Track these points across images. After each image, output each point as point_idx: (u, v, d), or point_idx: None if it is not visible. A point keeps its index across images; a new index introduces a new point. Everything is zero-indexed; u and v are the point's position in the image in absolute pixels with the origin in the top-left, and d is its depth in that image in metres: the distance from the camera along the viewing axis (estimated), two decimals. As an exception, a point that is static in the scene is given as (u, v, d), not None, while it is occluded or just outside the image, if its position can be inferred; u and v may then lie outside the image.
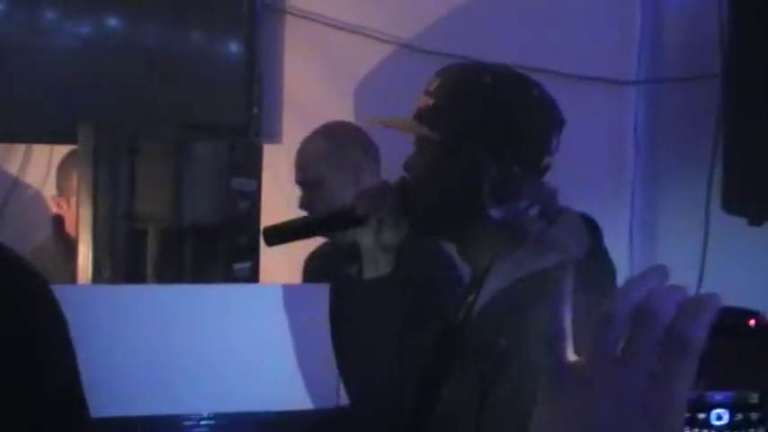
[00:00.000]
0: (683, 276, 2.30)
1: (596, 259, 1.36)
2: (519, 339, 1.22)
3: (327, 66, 2.72)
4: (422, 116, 1.39)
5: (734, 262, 2.38)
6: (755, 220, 2.11)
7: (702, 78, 2.34)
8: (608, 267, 1.40)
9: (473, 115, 1.36)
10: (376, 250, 1.45)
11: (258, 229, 2.34)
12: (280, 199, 2.58)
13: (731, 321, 1.07)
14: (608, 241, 2.37)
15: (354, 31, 2.64)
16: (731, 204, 2.15)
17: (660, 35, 2.48)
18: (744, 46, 2.12)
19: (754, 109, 2.11)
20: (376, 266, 1.46)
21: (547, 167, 1.40)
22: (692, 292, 2.10)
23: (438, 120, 1.37)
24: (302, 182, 2.27)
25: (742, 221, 2.12)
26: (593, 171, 2.45)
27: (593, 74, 2.40)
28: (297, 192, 2.54)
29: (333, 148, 2.19)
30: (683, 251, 2.43)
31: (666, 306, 0.59)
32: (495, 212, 1.34)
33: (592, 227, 1.42)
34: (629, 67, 2.40)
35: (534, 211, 1.36)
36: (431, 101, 1.39)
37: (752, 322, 1.14)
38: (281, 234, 1.56)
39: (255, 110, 2.72)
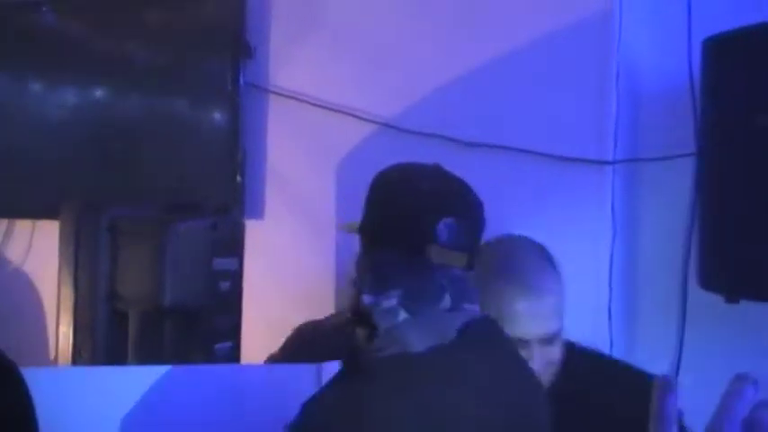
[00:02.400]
0: (662, 354, 2.28)
1: (440, 356, 1.29)
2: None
3: (310, 143, 2.74)
4: None
5: (712, 339, 2.37)
6: (732, 297, 2.10)
7: (677, 158, 2.36)
8: (452, 365, 1.32)
9: (369, 208, 1.45)
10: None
11: (240, 309, 2.35)
12: (262, 276, 2.59)
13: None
14: (588, 319, 2.40)
15: (337, 110, 2.67)
16: (708, 281, 2.15)
17: (636, 116, 2.51)
18: (716, 127, 2.15)
19: (728, 187, 2.12)
20: None
21: (432, 259, 1.37)
22: (671, 369, 2.08)
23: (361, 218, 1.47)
24: None
25: (719, 298, 2.11)
26: (572, 248, 2.39)
27: (572, 154, 2.43)
28: (279, 268, 2.56)
29: None
30: (662, 328, 2.43)
31: None
32: (367, 298, 1.35)
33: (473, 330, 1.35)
34: (606, 148, 2.42)
35: (393, 300, 1.34)
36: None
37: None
38: None
39: (239, 188, 2.73)
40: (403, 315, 1.32)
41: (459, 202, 1.43)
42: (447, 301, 1.35)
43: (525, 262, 1.73)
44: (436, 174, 1.46)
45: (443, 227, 1.37)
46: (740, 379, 0.64)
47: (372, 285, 1.35)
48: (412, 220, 1.38)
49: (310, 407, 1.28)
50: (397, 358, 1.29)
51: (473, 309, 1.37)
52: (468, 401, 1.28)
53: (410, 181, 1.42)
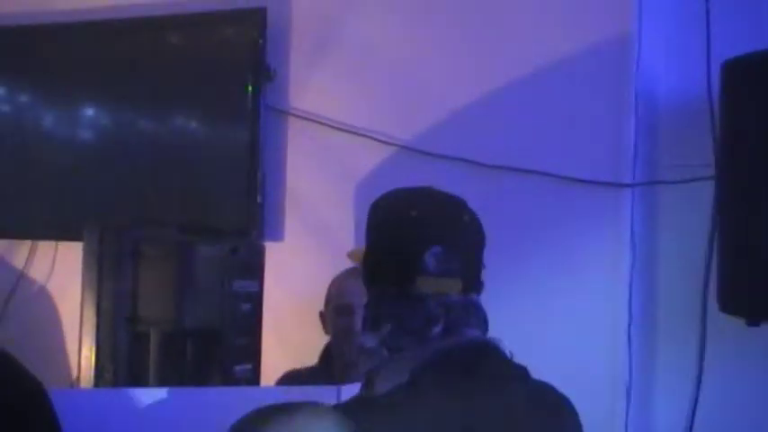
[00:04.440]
0: (683, 376, 2.24)
1: (408, 393, 1.26)
2: None
3: (330, 166, 2.76)
4: None
5: (733, 362, 2.36)
6: (753, 320, 2.10)
7: (698, 180, 2.36)
8: (426, 402, 1.29)
9: (366, 241, 1.41)
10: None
11: (260, 330, 2.37)
12: (282, 298, 2.60)
13: None
14: (607, 343, 2.39)
15: (356, 132, 2.69)
16: (728, 304, 2.14)
17: (655, 139, 2.51)
18: (736, 149, 2.15)
19: (747, 210, 2.12)
20: None
21: (422, 289, 1.35)
22: (692, 393, 2.05)
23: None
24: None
25: (740, 322, 2.11)
26: (591, 273, 2.45)
27: (591, 177, 2.43)
28: (299, 290, 2.56)
29: None
30: (682, 351, 2.42)
31: None
32: (365, 339, 1.34)
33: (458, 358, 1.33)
34: (625, 170, 2.42)
35: (374, 341, 1.33)
36: None
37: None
38: None
39: (258, 210, 2.75)
40: (383, 354, 1.32)
41: (449, 227, 1.40)
42: (438, 328, 1.33)
43: None
44: (427, 199, 1.43)
45: (430, 256, 1.35)
46: None
47: (367, 324, 1.35)
48: (400, 253, 1.37)
49: None
50: (359, 401, 1.30)
51: (472, 332, 1.35)
52: None
53: (399, 210, 1.40)
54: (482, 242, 1.42)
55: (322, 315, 2.31)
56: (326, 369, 2.25)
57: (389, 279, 1.35)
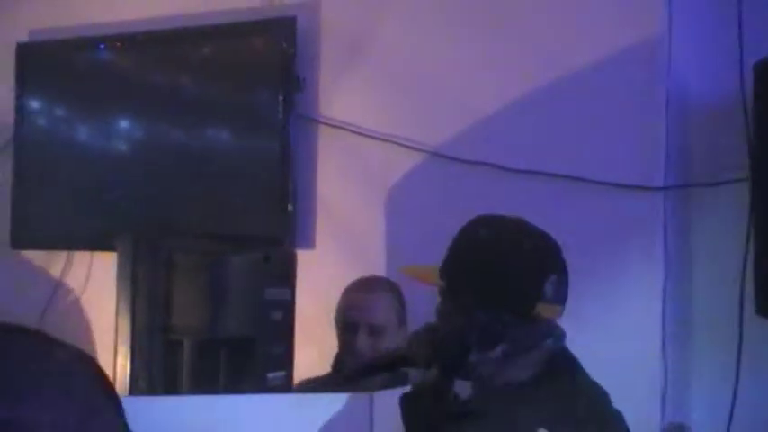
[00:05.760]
0: (719, 380, 2.24)
1: (543, 385, 1.48)
2: None
3: (359, 173, 2.78)
4: (441, 269, 1.54)
5: None
6: None
7: (731, 183, 2.35)
8: (567, 390, 1.50)
9: (467, 266, 1.51)
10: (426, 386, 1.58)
11: (292, 338, 2.38)
12: (313, 304, 2.61)
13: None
14: (641, 347, 2.39)
15: (384, 139, 2.71)
16: (765, 308, 2.13)
17: (687, 141, 2.50)
18: None
19: None
20: None
21: (541, 314, 1.49)
22: (728, 398, 2.07)
23: (446, 271, 1.52)
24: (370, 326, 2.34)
25: None
26: (625, 277, 2.44)
27: (622, 180, 2.43)
28: (330, 297, 2.58)
29: (400, 302, 2.34)
30: (718, 355, 2.40)
31: None
32: (473, 356, 1.44)
33: (562, 361, 1.54)
34: (656, 173, 2.42)
35: (497, 353, 1.47)
36: (447, 255, 1.54)
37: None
38: (359, 372, 1.78)
39: (290, 219, 2.77)
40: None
41: (558, 257, 1.53)
42: (550, 341, 1.50)
43: None
44: (530, 230, 1.54)
45: (549, 285, 1.48)
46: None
47: (479, 343, 1.44)
48: (521, 281, 1.48)
49: None
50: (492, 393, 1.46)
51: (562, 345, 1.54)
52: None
53: (511, 242, 1.51)
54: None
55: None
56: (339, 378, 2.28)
57: (507, 305, 1.47)
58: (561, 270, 1.53)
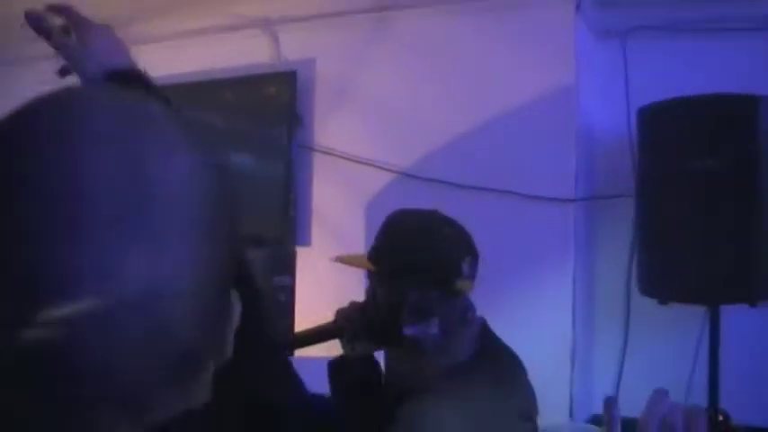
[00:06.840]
0: (614, 344, 2.58)
1: (486, 358, 1.50)
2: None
3: (346, 188, 2.96)
4: (370, 255, 1.57)
5: (650, 332, 2.60)
6: (663, 300, 2.31)
7: (623, 197, 2.60)
8: (503, 360, 1.54)
9: (396, 250, 1.52)
10: (353, 357, 1.62)
11: (293, 314, 2.72)
12: (309, 290, 2.87)
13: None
14: (558, 326, 2.53)
15: (365, 162, 2.92)
16: (645, 288, 2.36)
17: (591, 165, 2.71)
18: (649, 173, 2.35)
19: (659, 220, 2.33)
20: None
21: (461, 289, 1.52)
22: (619, 355, 2.42)
23: (376, 255, 1.54)
24: None
25: (653, 302, 2.32)
26: (543, 266, 2.63)
27: (542, 193, 2.62)
28: (322, 284, 2.77)
29: None
30: (613, 325, 2.66)
31: (679, 419, 0.70)
32: (408, 329, 1.47)
33: (486, 332, 1.56)
34: (568, 188, 2.60)
35: (434, 327, 1.47)
36: (376, 243, 1.57)
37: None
38: (295, 343, 1.74)
39: (291, 222, 2.92)
40: (438, 335, 1.48)
41: (471, 241, 1.55)
42: (474, 313, 1.53)
43: None
44: (446, 219, 1.56)
45: (465, 264, 1.50)
46: (658, 391, 0.72)
47: (412, 318, 1.47)
48: (444, 261, 1.48)
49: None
50: (454, 369, 1.46)
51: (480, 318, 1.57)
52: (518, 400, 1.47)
53: (432, 229, 1.51)
54: None
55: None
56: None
57: (432, 282, 1.48)
58: (473, 252, 1.55)
